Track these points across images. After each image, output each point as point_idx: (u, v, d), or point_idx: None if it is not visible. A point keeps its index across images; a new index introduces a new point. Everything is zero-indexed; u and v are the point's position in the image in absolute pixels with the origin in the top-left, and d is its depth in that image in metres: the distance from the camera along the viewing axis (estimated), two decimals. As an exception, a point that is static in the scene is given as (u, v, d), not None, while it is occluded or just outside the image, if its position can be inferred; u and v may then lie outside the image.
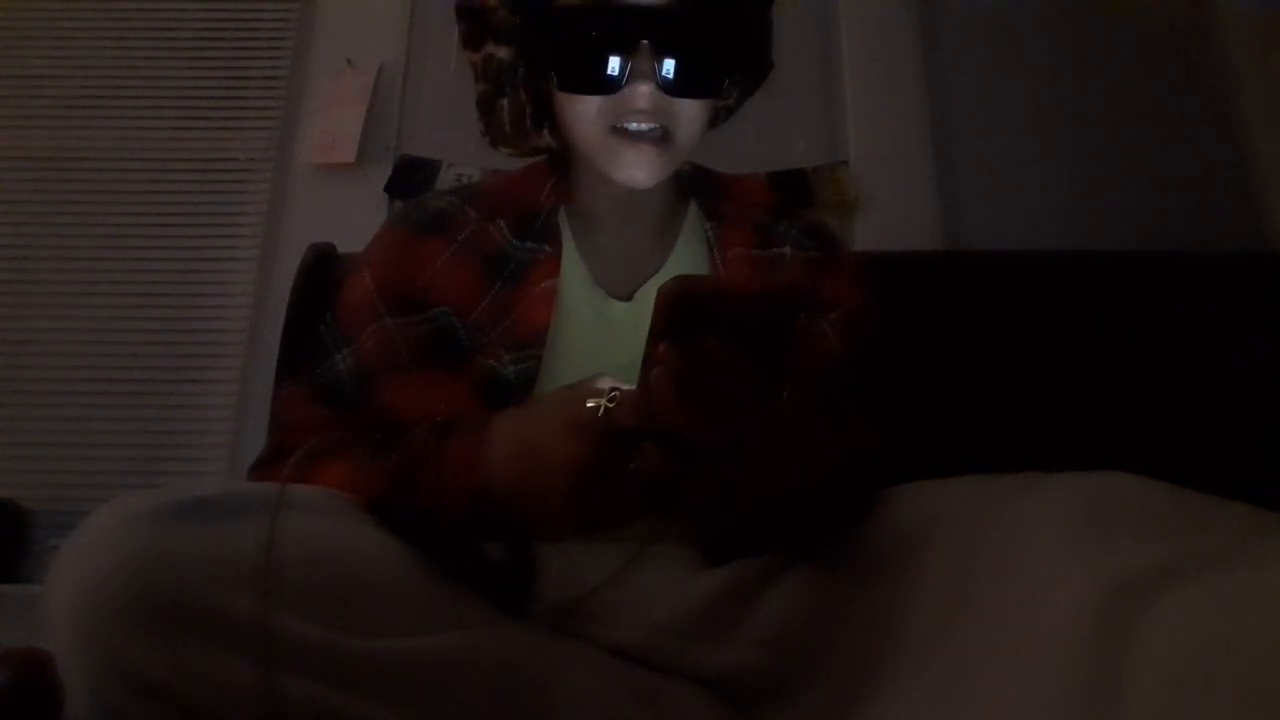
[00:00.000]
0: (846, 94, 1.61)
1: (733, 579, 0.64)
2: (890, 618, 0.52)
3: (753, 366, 0.50)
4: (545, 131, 0.82)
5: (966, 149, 1.57)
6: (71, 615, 0.45)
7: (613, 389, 0.53)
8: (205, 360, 1.54)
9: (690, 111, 0.74)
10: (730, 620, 0.62)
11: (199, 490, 0.52)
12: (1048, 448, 0.66)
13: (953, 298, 1.21)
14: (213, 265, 1.58)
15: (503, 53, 0.81)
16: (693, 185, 0.87)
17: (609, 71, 0.71)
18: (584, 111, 0.74)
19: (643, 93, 0.71)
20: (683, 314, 0.49)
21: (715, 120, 0.83)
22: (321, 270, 1.18)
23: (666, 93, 0.71)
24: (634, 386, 0.52)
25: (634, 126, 0.73)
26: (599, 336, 0.77)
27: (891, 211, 1.52)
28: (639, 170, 0.74)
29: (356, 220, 1.33)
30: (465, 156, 1.54)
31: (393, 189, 1.55)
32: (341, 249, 1.21)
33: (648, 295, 0.74)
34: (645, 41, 0.70)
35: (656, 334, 0.50)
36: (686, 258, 0.83)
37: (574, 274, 0.80)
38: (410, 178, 1.55)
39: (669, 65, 0.71)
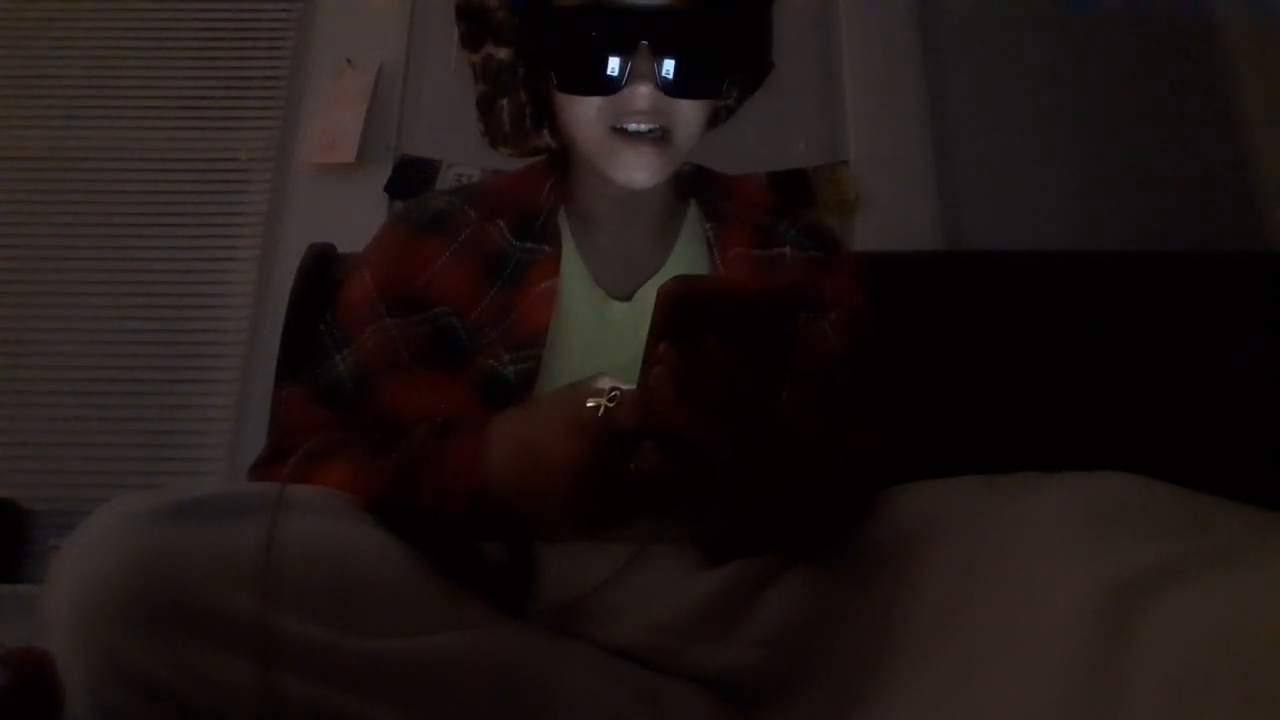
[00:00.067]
0: (846, 94, 1.61)
1: (733, 579, 0.64)
2: (890, 618, 0.52)
3: (753, 366, 0.50)
4: (545, 132, 0.82)
5: (966, 149, 1.57)
6: (71, 615, 0.45)
7: (613, 389, 0.53)
8: (205, 360, 1.54)
9: (690, 112, 0.74)
10: (730, 620, 0.62)
11: (199, 490, 0.52)
12: (1048, 448, 0.66)
13: (953, 298, 1.21)
14: (213, 265, 1.58)
15: (503, 53, 0.81)
16: (693, 185, 0.87)
17: (609, 72, 0.71)
18: (584, 112, 0.74)
19: (642, 93, 0.71)
20: (683, 314, 0.49)
21: (715, 120, 0.83)
22: (321, 270, 1.18)
23: (666, 93, 0.71)
24: (634, 386, 0.52)
25: (634, 127, 0.73)
26: (599, 336, 0.77)
27: (891, 211, 1.52)
28: (639, 171, 0.74)
29: (356, 220, 1.33)
30: (465, 156, 1.53)
31: (393, 189, 1.55)
32: (341, 249, 1.21)
33: (648, 295, 0.74)
34: (645, 42, 0.70)
35: (656, 334, 0.50)
36: (686, 258, 0.83)
37: (574, 274, 0.80)
38: (410, 178, 1.55)
39: (668, 66, 0.71)
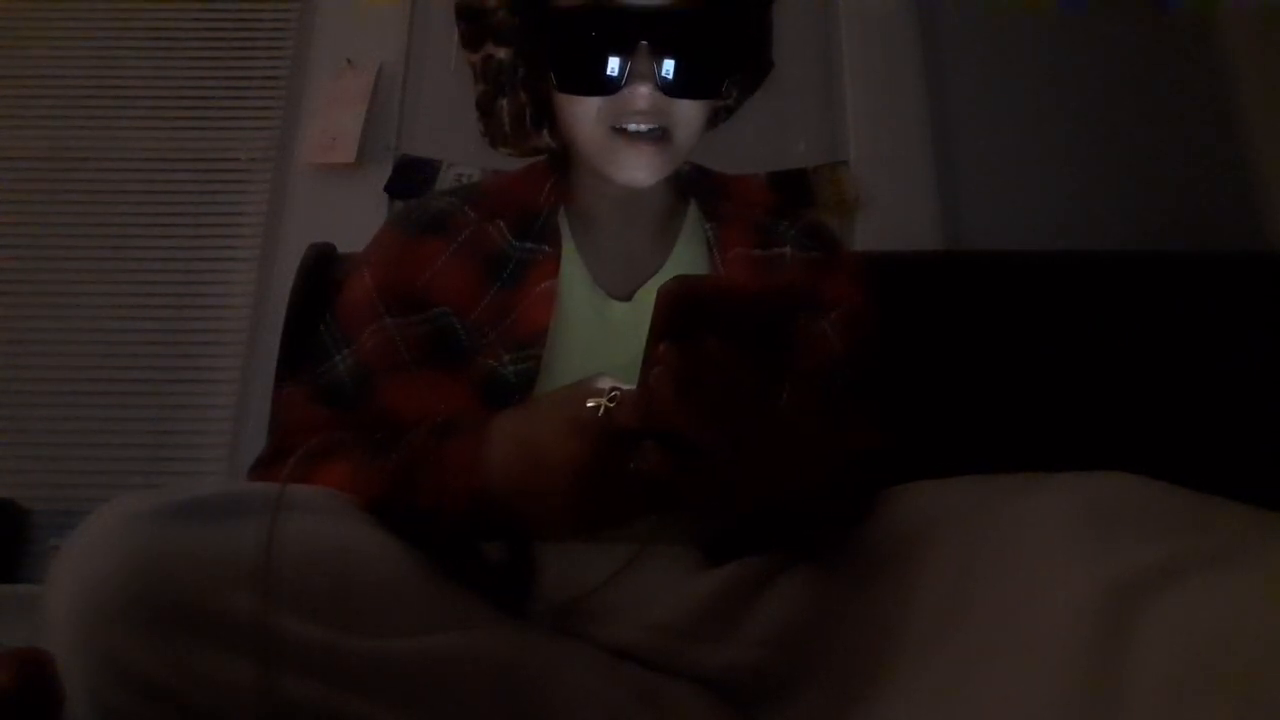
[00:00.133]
0: (846, 94, 1.61)
1: (733, 579, 0.64)
2: (890, 618, 0.52)
3: (753, 366, 0.50)
4: (545, 132, 0.82)
5: (966, 149, 1.57)
6: (71, 615, 0.45)
7: (613, 389, 0.52)
8: (205, 360, 1.54)
9: (690, 112, 0.74)
10: (730, 620, 0.62)
11: (199, 490, 0.52)
12: (1048, 448, 0.66)
13: (953, 298, 1.21)
14: (213, 265, 1.58)
15: (502, 53, 0.81)
16: (692, 185, 0.87)
17: (608, 72, 0.71)
18: (583, 112, 0.74)
19: (642, 93, 0.71)
20: (683, 314, 0.49)
21: (715, 120, 0.83)
22: (321, 270, 1.18)
23: (666, 93, 0.71)
24: (634, 386, 0.52)
25: (633, 127, 0.73)
26: (599, 336, 0.77)
27: (891, 211, 1.52)
28: (638, 170, 0.74)
29: (356, 220, 1.33)
30: (465, 156, 1.53)
31: (393, 189, 1.55)
32: (341, 249, 1.21)
33: (647, 295, 0.74)
34: (644, 42, 0.70)
35: (656, 334, 0.50)
36: (686, 258, 0.83)
37: (574, 274, 0.80)
38: (410, 178, 1.55)
39: (668, 66, 0.71)
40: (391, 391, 0.74)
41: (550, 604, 0.63)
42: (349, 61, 1.64)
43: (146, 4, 1.71)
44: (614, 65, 0.71)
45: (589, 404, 0.52)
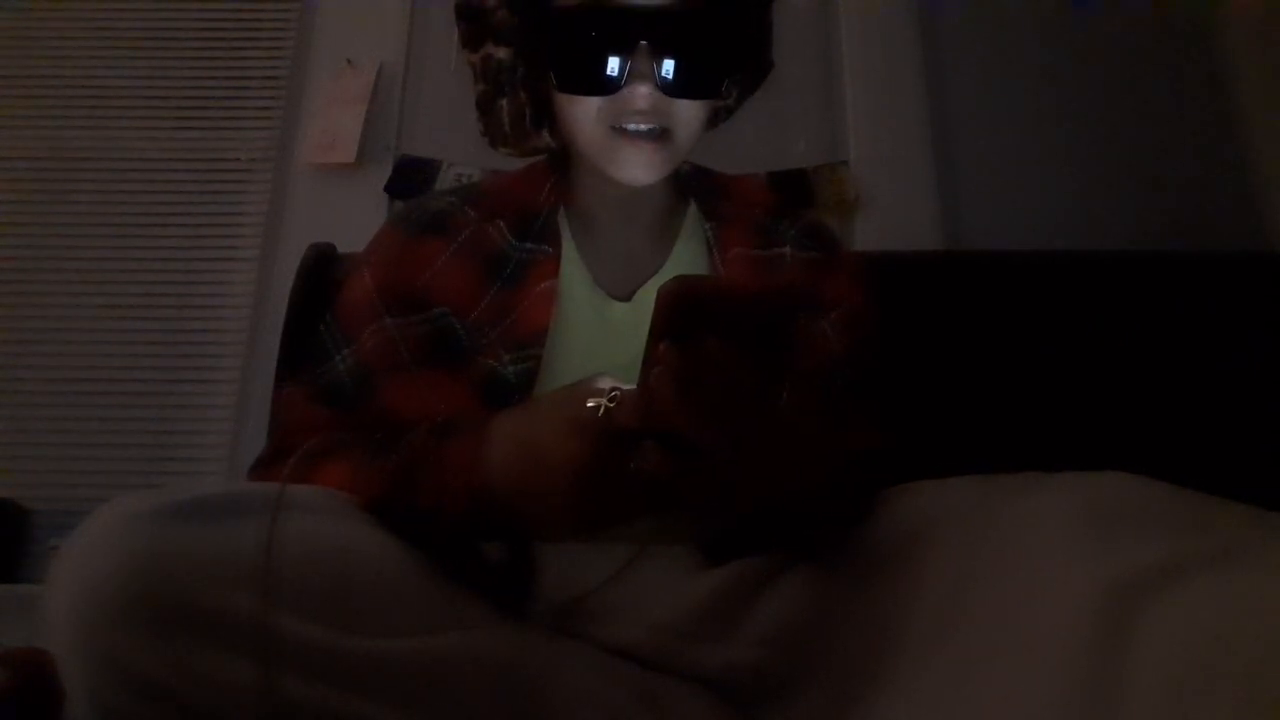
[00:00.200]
0: (846, 94, 1.61)
1: (733, 579, 0.64)
2: (890, 618, 0.52)
3: (753, 366, 0.50)
4: (545, 131, 0.82)
5: (966, 149, 1.57)
6: (71, 615, 0.45)
7: (613, 389, 0.52)
8: (205, 360, 1.54)
9: (689, 111, 0.74)
10: (730, 620, 0.62)
11: (199, 490, 0.52)
12: (1048, 448, 0.66)
13: (953, 298, 1.21)
14: (213, 265, 1.58)
15: (502, 53, 0.81)
16: (692, 185, 0.87)
17: (608, 72, 0.71)
18: (583, 112, 0.74)
19: (642, 93, 0.71)
20: (683, 314, 0.49)
21: (715, 120, 0.83)
22: (321, 270, 1.18)
23: (666, 93, 0.71)
24: (634, 386, 0.52)
25: (633, 127, 0.73)
26: (599, 337, 0.77)
27: (891, 211, 1.52)
28: (638, 168, 0.74)
29: (356, 220, 1.33)
30: (465, 156, 1.53)
31: (393, 189, 1.55)
32: (341, 249, 1.21)
33: (647, 295, 0.74)
34: (644, 42, 0.70)
35: (656, 334, 0.50)
36: (686, 258, 0.83)
37: (573, 274, 0.80)
38: (410, 178, 1.55)
39: (668, 66, 0.71)
40: (391, 391, 0.74)
41: (550, 604, 0.63)
42: (349, 61, 1.64)
43: (146, 4, 1.71)
44: (614, 65, 0.71)
45: (589, 404, 0.52)
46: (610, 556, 0.64)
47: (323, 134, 1.59)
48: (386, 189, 1.55)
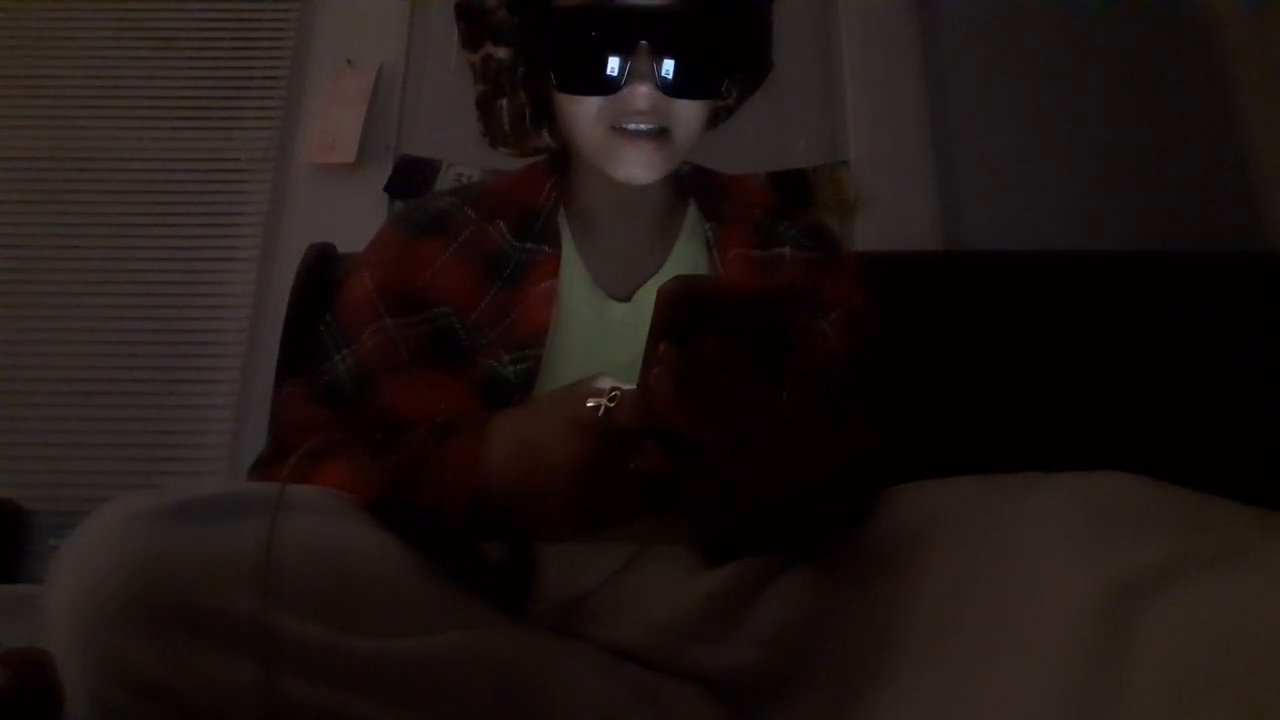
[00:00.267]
0: (846, 94, 1.61)
1: (733, 579, 0.64)
2: (890, 618, 0.52)
3: (753, 366, 0.50)
4: (545, 131, 0.82)
5: (966, 149, 1.57)
6: (71, 615, 0.45)
7: (613, 389, 0.52)
8: (205, 360, 1.54)
9: (689, 111, 0.74)
10: (730, 620, 0.62)
11: (199, 490, 0.52)
12: (1048, 448, 0.66)
13: (953, 298, 1.21)
14: (213, 265, 1.58)
15: (502, 53, 0.81)
16: (692, 185, 0.87)
17: (608, 72, 0.71)
18: (583, 112, 0.74)
19: (642, 93, 0.71)
20: (683, 314, 0.49)
21: (715, 120, 0.83)
22: (321, 270, 1.18)
23: (665, 93, 0.71)
24: (634, 386, 0.52)
25: (633, 127, 0.72)
26: (599, 337, 0.77)
27: (891, 211, 1.52)
28: (638, 167, 0.74)
29: (356, 220, 1.33)
30: (465, 156, 1.53)
31: (393, 189, 1.55)
32: (341, 249, 1.21)
33: (647, 295, 0.74)
34: (644, 42, 0.70)
35: (656, 334, 0.50)
36: (686, 258, 0.83)
37: (573, 274, 0.80)
38: (410, 178, 1.55)
39: (668, 66, 0.71)
40: (391, 391, 0.74)
41: (550, 604, 0.63)
42: (349, 61, 1.64)
43: (146, 4, 1.72)
44: (614, 65, 0.71)
45: (589, 404, 0.52)
46: (610, 556, 0.64)
47: (323, 134, 1.59)
48: (386, 189, 1.55)
